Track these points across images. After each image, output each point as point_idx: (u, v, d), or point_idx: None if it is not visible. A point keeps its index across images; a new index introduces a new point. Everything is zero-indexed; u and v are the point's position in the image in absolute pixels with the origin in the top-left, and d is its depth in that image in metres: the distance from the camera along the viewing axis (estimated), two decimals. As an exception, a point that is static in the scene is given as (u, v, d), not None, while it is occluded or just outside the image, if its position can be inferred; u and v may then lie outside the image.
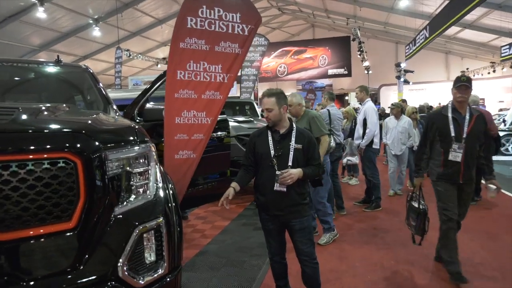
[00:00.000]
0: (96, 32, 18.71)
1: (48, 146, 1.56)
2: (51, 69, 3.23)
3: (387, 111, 13.93)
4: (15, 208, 1.46)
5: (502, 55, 15.26)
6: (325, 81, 27.27)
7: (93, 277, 1.59)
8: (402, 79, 16.19)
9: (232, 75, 3.46)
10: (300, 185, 2.76)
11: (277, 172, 2.66)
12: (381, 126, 8.11)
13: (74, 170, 1.58)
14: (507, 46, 14.89)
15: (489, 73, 20.61)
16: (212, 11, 3.36)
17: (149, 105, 3.30)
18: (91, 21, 18.15)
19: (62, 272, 1.55)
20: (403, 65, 15.95)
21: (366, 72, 22.93)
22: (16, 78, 3.23)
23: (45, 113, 1.87)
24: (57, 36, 18.87)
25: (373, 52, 23.99)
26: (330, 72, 24.98)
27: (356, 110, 9.94)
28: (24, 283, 1.48)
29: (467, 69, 22.63)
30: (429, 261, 3.84)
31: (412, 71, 15.96)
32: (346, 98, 26.34)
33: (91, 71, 3.32)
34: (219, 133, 4.03)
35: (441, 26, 11.75)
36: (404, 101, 12.40)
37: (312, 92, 13.88)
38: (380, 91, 23.92)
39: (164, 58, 23.88)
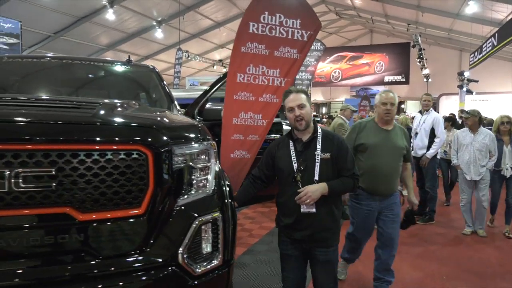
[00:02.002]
0: (158, 33, 19.65)
1: (124, 139, 1.72)
2: (123, 68, 3.52)
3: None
4: (95, 192, 1.63)
5: None
6: (380, 88, 26.48)
7: (157, 261, 1.72)
8: (464, 89, 15.35)
9: (290, 80, 3.55)
10: (334, 204, 2.36)
11: (299, 190, 2.26)
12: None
13: (145, 161, 1.72)
14: None
15: None
16: (274, 17, 3.46)
17: (208, 105, 3.47)
18: (154, 23, 19.09)
19: (130, 253, 1.71)
20: (466, 74, 15.12)
21: (425, 80, 21.99)
22: (91, 75, 3.54)
23: (120, 108, 2.06)
24: (123, 37, 20.05)
25: (434, 59, 22.95)
26: (387, 79, 24.24)
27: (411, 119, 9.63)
28: (98, 260, 1.65)
29: (539, 80, 20.98)
30: (478, 277, 3.70)
31: (476, 81, 15.10)
32: (402, 106, 25.44)
33: (157, 71, 3.56)
34: (273, 135, 4.13)
35: (511, 34, 11.04)
36: (462, 111, 11.62)
37: (367, 98, 13.57)
38: (440, 100, 22.80)
39: (220, 60, 24.52)
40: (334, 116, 10.22)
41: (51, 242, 1.58)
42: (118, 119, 1.86)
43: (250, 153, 3.51)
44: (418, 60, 18.85)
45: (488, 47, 13.36)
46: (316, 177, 2.28)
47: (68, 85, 3.32)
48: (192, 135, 1.99)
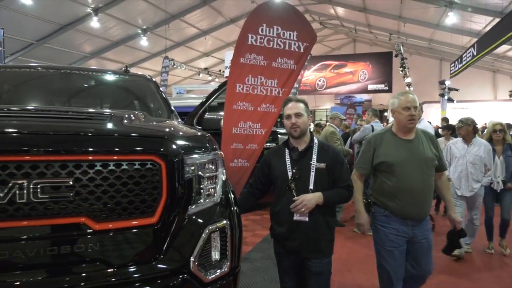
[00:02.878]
0: (143, 41, 19.60)
1: (139, 149, 1.75)
2: (121, 78, 3.53)
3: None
4: (110, 202, 1.65)
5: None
6: (364, 96, 26.95)
7: (170, 268, 1.75)
8: (446, 97, 15.79)
9: (287, 90, 3.62)
10: (327, 214, 2.36)
11: (294, 198, 2.29)
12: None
13: (158, 171, 1.75)
14: (562, 67, 14.22)
15: (540, 94, 19.69)
16: (271, 29, 3.55)
17: (207, 115, 3.50)
18: (139, 31, 19.03)
19: (144, 261, 1.73)
20: (447, 82, 15.56)
21: (407, 88, 22.48)
22: (90, 85, 3.53)
23: (131, 120, 2.07)
24: (107, 45, 19.88)
25: (415, 68, 23.56)
26: (370, 87, 24.68)
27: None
28: (113, 269, 1.67)
29: (516, 89, 21.75)
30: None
31: (457, 89, 15.56)
32: (385, 114, 25.90)
33: (154, 80, 3.58)
34: (267, 144, 4.20)
35: (490, 44, 11.42)
36: (446, 119, 11.78)
37: (352, 107, 13.79)
38: (423, 108, 23.39)
39: (206, 68, 24.55)
40: (322, 124, 10.33)
41: (68, 252, 1.59)
42: (132, 130, 1.90)
43: (250, 161, 3.55)
44: (401, 69, 19.28)
45: (468, 57, 13.79)
46: (311, 186, 2.30)
47: (67, 95, 3.30)
48: (202, 145, 2.02)
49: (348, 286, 3.74)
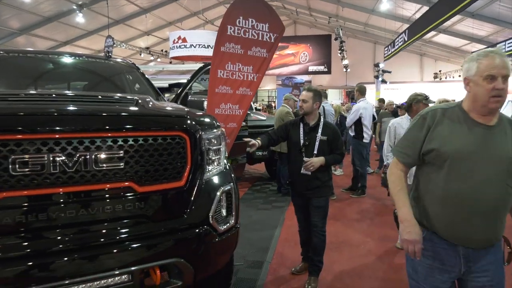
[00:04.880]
0: (79, 18, 18.53)
1: (170, 126, 2.15)
2: (110, 63, 3.69)
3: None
4: (150, 169, 2.02)
5: (473, 60, 16.34)
6: (304, 77, 27.96)
7: (195, 222, 2.17)
8: (380, 79, 17.06)
9: (260, 75, 4.04)
10: (321, 171, 3.25)
11: (304, 159, 3.20)
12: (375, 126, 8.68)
13: (184, 144, 2.15)
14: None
15: (459, 76, 21.89)
16: (247, 21, 3.97)
17: (190, 98, 3.77)
18: (75, 7, 17.95)
19: (176, 216, 2.14)
20: (381, 65, 16.81)
21: (344, 70, 23.79)
22: (81, 70, 3.74)
23: (152, 103, 2.44)
24: (38, 20, 18.53)
25: (352, 51, 24.86)
26: (311, 69, 25.68)
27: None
28: (154, 222, 2.06)
29: (440, 71, 23.94)
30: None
31: (389, 72, 16.88)
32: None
33: (137, 66, 3.76)
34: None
35: (419, 31, 12.57)
36: (382, 100, 12.52)
37: (297, 88, 14.47)
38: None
39: (147, 48, 23.83)
40: (272, 105, 10.83)
41: (120, 209, 1.97)
42: (162, 111, 2.32)
43: (230, 138, 3.93)
44: (339, 51, 20.34)
45: (400, 42, 15.01)
46: (315, 152, 3.22)
47: (61, 80, 3.41)
48: (211, 123, 2.43)
49: None
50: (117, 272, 1.89)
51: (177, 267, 2.07)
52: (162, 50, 24.49)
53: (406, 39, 14.17)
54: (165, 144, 2.06)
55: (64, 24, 19.45)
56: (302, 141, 3.28)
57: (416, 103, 3.92)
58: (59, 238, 1.81)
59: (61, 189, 1.80)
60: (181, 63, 22.82)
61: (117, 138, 1.92)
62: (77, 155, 1.82)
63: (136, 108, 2.22)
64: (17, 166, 1.69)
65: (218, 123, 2.50)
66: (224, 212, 2.32)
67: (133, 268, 1.92)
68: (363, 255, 4.10)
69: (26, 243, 1.75)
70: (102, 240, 1.91)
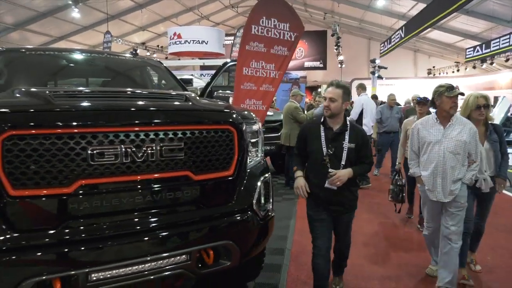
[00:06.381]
0: (75, 13, 18.43)
1: (220, 120, 2.33)
2: (140, 61, 3.84)
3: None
4: (204, 159, 2.19)
5: (467, 56, 16.74)
6: (299, 73, 28.07)
7: (242, 207, 2.37)
8: (376, 75, 17.31)
9: (282, 72, 4.27)
10: (350, 182, 2.79)
11: (330, 170, 2.72)
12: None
13: (232, 137, 2.33)
14: (472, 49, 16.36)
15: (453, 72, 22.30)
16: (269, 21, 4.18)
17: (216, 93, 3.95)
18: (70, 2, 17.85)
19: (226, 202, 2.34)
20: (377, 61, 17.05)
21: (339, 66, 24.03)
22: (115, 68, 3.89)
23: (197, 98, 2.59)
24: (33, 16, 18.39)
25: (346, 47, 25.10)
26: (307, 64, 25.88)
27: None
28: (207, 208, 2.26)
29: (434, 67, 24.33)
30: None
31: (385, 68, 17.10)
32: (319, 90, 27.42)
33: (163, 63, 3.93)
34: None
35: (416, 28, 12.81)
36: (375, 96, 12.42)
37: (297, 84, 14.66)
38: (352, 85, 25.17)
39: (143, 43, 23.78)
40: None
41: (180, 196, 2.16)
42: (212, 107, 2.49)
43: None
44: (336, 47, 20.55)
45: (397, 38, 15.26)
46: (343, 162, 2.74)
47: (97, 76, 3.56)
48: (252, 118, 2.62)
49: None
50: (179, 252, 2.08)
51: (226, 249, 2.27)
52: (158, 46, 24.45)
53: (402, 36, 14.42)
54: (216, 136, 2.25)
55: (59, 20, 19.33)
56: (325, 150, 2.76)
57: (438, 97, 3.10)
58: (130, 221, 2.00)
59: (131, 177, 1.97)
60: (176, 59, 22.85)
61: (178, 131, 2.10)
62: (145, 146, 1.99)
63: (190, 103, 2.39)
64: (95, 156, 1.85)
65: (256, 118, 2.68)
66: (263, 199, 2.51)
67: (191, 249, 2.12)
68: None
69: (104, 226, 1.93)
70: (165, 223, 2.09)
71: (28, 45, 17.87)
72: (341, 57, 22.37)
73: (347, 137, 2.76)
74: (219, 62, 18.65)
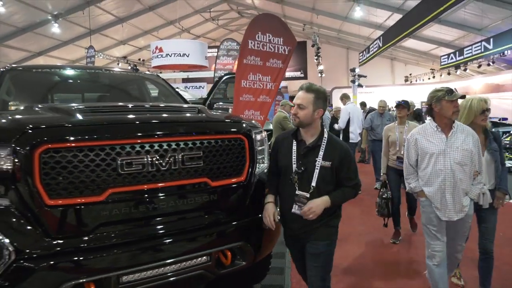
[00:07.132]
0: (55, 28, 18.32)
1: (234, 130, 2.51)
2: (142, 76, 4.01)
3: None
4: (220, 166, 2.37)
5: (442, 63, 17.44)
6: (283, 83, 28.51)
7: (254, 212, 2.53)
8: (356, 83, 17.79)
9: (277, 84, 4.53)
10: (328, 213, 2.32)
11: (297, 192, 2.29)
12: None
13: (244, 145, 2.50)
14: (446, 56, 17.07)
15: (429, 78, 23.12)
16: (265, 36, 4.46)
17: (216, 105, 4.13)
18: (50, 17, 17.76)
19: (238, 206, 2.49)
20: (357, 70, 17.55)
21: (319, 75, 24.55)
22: (117, 83, 4.04)
23: (207, 110, 2.76)
24: (11, 31, 18.19)
25: (325, 56, 25.65)
26: (288, 74, 26.24)
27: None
28: (222, 212, 2.41)
29: (410, 74, 25.16)
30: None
31: (365, 76, 17.61)
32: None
33: (163, 78, 4.10)
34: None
35: (394, 37, 13.36)
36: (364, 104, 12.53)
37: (280, 94, 14.93)
38: (333, 93, 25.73)
39: (125, 57, 23.75)
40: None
41: (199, 201, 2.31)
42: (225, 118, 2.69)
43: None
44: (316, 57, 21.03)
45: (375, 48, 15.81)
46: (314, 183, 2.27)
47: (101, 92, 3.73)
48: (258, 127, 2.80)
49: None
50: (201, 253, 2.24)
51: (242, 250, 2.44)
52: (139, 59, 24.46)
53: (380, 45, 14.95)
54: (230, 145, 2.42)
55: (38, 35, 19.18)
56: (294, 167, 2.31)
57: (436, 102, 2.75)
58: (155, 226, 2.15)
59: (156, 185, 2.12)
60: (158, 72, 22.90)
61: (196, 140, 2.27)
62: (168, 156, 2.15)
63: (204, 115, 2.56)
64: (124, 166, 2.00)
65: (261, 128, 2.87)
66: None
67: (211, 250, 2.28)
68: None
69: (132, 230, 2.07)
70: (186, 227, 2.24)
71: (6, 62, 17.70)
72: (321, 67, 22.87)
73: (321, 153, 2.28)
74: (202, 74, 18.90)
